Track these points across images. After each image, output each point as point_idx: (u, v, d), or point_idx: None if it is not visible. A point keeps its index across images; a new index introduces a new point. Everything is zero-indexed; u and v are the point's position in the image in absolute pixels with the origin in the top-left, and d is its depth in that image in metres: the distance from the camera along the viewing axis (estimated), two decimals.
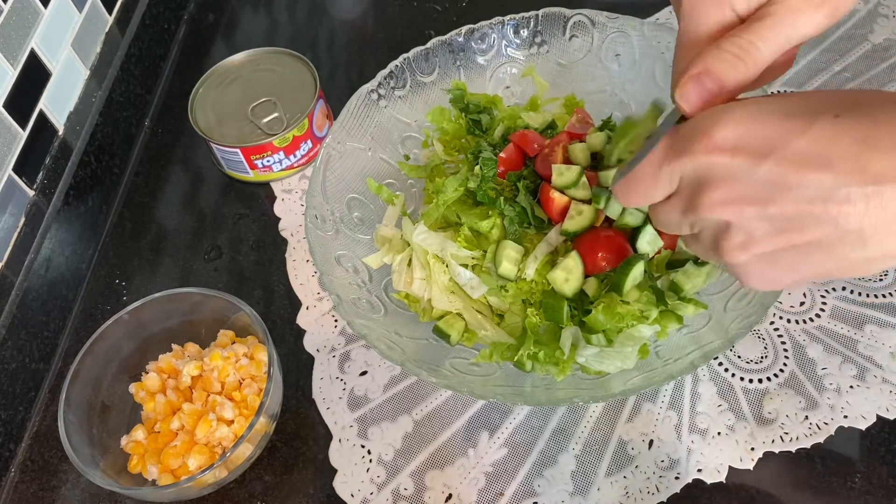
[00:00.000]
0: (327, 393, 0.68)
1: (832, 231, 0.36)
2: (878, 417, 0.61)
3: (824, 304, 0.66)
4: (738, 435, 0.61)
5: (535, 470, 0.62)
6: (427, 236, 0.63)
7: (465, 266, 0.62)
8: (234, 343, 0.68)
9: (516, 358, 0.59)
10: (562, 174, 0.60)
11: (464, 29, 0.73)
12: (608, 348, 0.59)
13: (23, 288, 0.71)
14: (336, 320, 0.72)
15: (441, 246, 0.63)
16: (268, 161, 0.80)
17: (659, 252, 0.61)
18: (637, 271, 0.58)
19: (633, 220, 0.60)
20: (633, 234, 0.61)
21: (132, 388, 0.67)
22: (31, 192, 0.75)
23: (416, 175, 0.72)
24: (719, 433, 0.62)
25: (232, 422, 0.63)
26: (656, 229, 0.61)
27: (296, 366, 0.70)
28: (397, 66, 0.71)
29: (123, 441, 0.65)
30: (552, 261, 0.61)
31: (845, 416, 0.61)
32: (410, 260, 0.65)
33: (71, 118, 0.81)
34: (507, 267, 0.60)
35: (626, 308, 0.57)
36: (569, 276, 0.59)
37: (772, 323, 0.66)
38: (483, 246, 0.62)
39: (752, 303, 0.56)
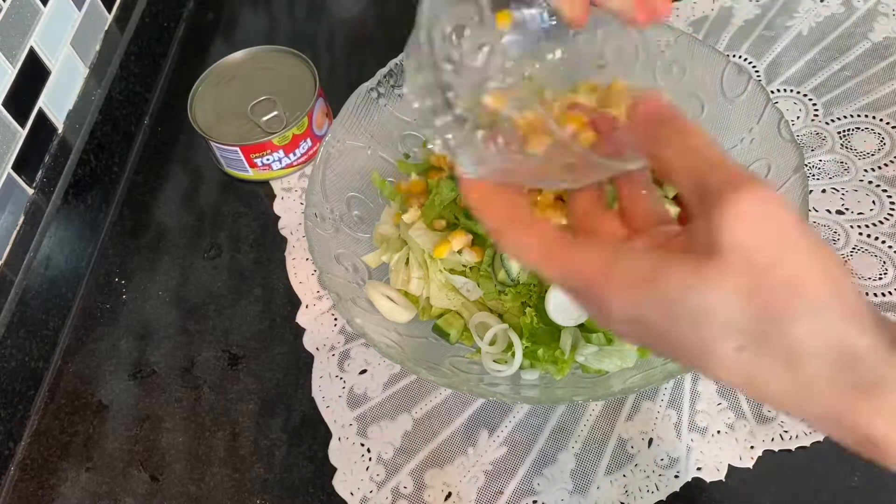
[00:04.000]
0: (327, 391, 0.68)
1: None
2: None
3: None
4: (738, 433, 0.61)
5: (535, 468, 0.62)
6: (422, 233, 0.63)
7: (456, 272, 0.62)
8: None
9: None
10: None
11: None
12: (608, 347, 0.59)
13: (22, 286, 0.71)
14: (335, 319, 0.72)
15: (431, 246, 0.63)
16: (267, 159, 0.80)
17: None
18: None
19: None
20: None
21: None
22: (31, 191, 0.75)
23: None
24: (719, 431, 0.62)
25: None
26: None
27: (295, 364, 0.70)
28: (397, 64, 0.71)
29: None
30: None
31: None
32: (408, 259, 0.65)
33: (70, 116, 0.81)
34: (510, 267, 0.60)
35: None
36: None
37: None
38: (483, 247, 0.62)
39: None
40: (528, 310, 0.60)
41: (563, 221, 0.58)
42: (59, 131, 0.79)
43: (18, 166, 0.73)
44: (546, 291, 0.59)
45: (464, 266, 0.63)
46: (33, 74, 0.75)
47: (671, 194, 0.63)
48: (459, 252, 0.62)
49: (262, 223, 0.80)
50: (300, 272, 0.76)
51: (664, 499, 0.60)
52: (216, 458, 0.66)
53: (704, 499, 0.60)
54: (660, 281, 0.31)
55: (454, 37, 0.38)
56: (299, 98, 0.80)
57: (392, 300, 0.64)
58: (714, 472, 0.60)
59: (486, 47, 0.38)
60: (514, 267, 0.60)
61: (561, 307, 0.58)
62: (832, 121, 0.77)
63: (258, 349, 0.72)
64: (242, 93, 0.82)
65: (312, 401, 0.68)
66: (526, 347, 0.59)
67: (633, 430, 0.63)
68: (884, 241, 0.69)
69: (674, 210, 0.60)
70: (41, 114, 0.76)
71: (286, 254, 0.77)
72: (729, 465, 0.60)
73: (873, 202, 0.71)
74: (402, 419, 0.66)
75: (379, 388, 0.67)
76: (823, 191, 0.72)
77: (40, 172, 0.76)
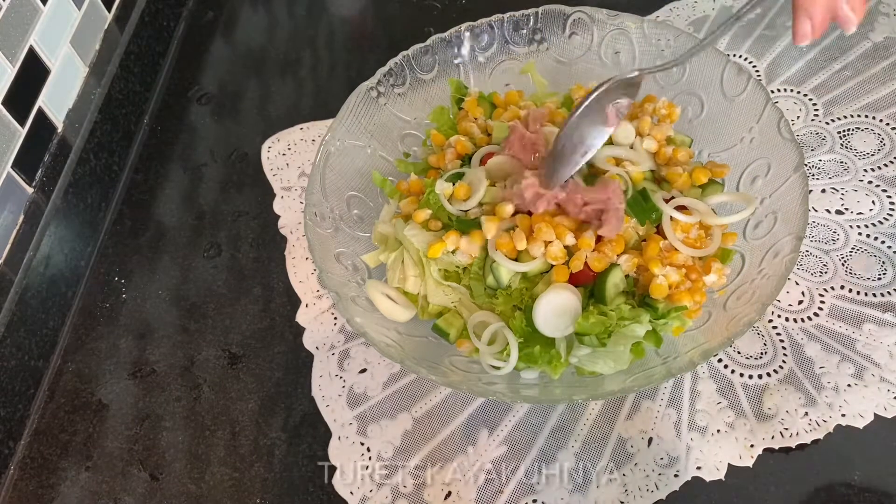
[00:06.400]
0: (327, 390, 0.68)
1: None
2: (876, 416, 0.61)
3: (822, 302, 0.66)
4: (738, 432, 0.61)
5: (535, 467, 0.62)
6: (417, 233, 0.63)
7: (450, 273, 0.63)
8: None
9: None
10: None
11: (463, 26, 0.73)
12: (601, 349, 0.58)
13: (22, 285, 0.71)
14: (335, 318, 0.72)
15: (426, 245, 0.63)
16: None
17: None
18: (616, 277, 0.58)
19: None
20: None
21: None
22: (30, 190, 0.75)
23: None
24: (718, 430, 0.62)
25: None
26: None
27: (295, 363, 0.70)
28: (397, 63, 0.71)
29: None
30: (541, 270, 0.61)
31: (843, 415, 0.61)
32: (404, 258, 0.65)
33: (70, 115, 0.81)
34: (500, 276, 0.60)
35: (609, 313, 0.57)
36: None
37: (770, 321, 0.66)
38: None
39: (750, 302, 0.56)
40: (517, 313, 0.60)
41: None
42: (59, 130, 0.79)
43: (18, 165, 0.73)
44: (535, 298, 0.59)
45: (457, 267, 0.63)
46: (33, 73, 0.75)
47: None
48: (453, 252, 0.62)
49: (262, 222, 0.80)
50: (300, 271, 0.76)
51: (664, 498, 0.60)
52: (216, 458, 0.66)
53: (704, 498, 0.60)
54: None
55: None
56: None
57: (392, 299, 0.64)
58: (714, 471, 0.60)
59: None
60: (504, 275, 0.60)
61: (549, 319, 0.58)
62: (832, 121, 0.77)
63: (258, 348, 0.72)
64: None
65: (312, 400, 0.68)
66: (521, 346, 0.59)
67: (633, 430, 0.63)
68: (883, 241, 0.69)
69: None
70: (41, 113, 0.76)
71: (286, 253, 0.77)
72: (728, 464, 0.60)
73: (873, 202, 0.71)
74: (402, 418, 0.66)
75: (379, 388, 0.67)
76: (823, 190, 0.72)
77: (40, 171, 0.76)
